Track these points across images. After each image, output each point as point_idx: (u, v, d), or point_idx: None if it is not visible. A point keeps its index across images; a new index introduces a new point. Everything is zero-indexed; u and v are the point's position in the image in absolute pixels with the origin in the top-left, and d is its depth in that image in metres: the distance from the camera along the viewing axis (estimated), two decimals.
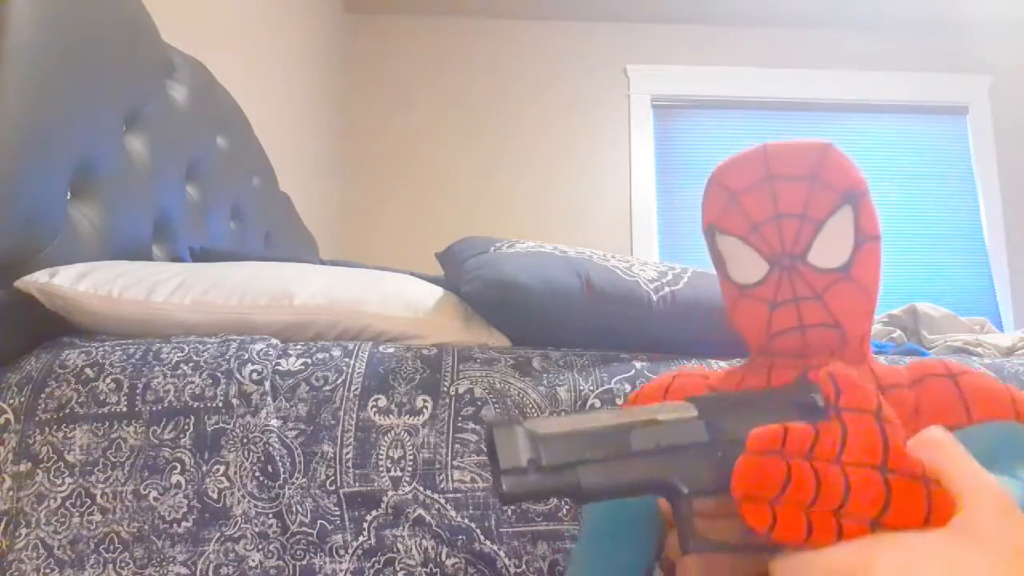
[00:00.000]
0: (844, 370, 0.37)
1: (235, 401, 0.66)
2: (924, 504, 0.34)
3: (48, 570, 0.61)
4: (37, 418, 0.65)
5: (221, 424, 0.65)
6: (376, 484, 0.64)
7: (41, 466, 0.63)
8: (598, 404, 0.69)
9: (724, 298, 0.55)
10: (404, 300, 0.85)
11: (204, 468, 0.64)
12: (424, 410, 0.68)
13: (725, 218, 0.52)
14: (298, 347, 0.73)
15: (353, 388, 0.69)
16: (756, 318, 0.52)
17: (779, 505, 0.35)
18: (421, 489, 0.64)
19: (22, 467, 0.63)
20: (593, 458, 0.37)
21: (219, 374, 0.68)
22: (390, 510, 0.64)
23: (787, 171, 0.50)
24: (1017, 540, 0.33)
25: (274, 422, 0.66)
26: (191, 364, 0.69)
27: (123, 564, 0.61)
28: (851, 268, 0.49)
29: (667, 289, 0.83)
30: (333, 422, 0.66)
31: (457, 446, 0.66)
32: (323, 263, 1.17)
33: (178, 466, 0.64)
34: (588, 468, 0.37)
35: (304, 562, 0.62)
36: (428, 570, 0.63)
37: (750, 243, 0.51)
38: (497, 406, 0.69)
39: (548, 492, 0.37)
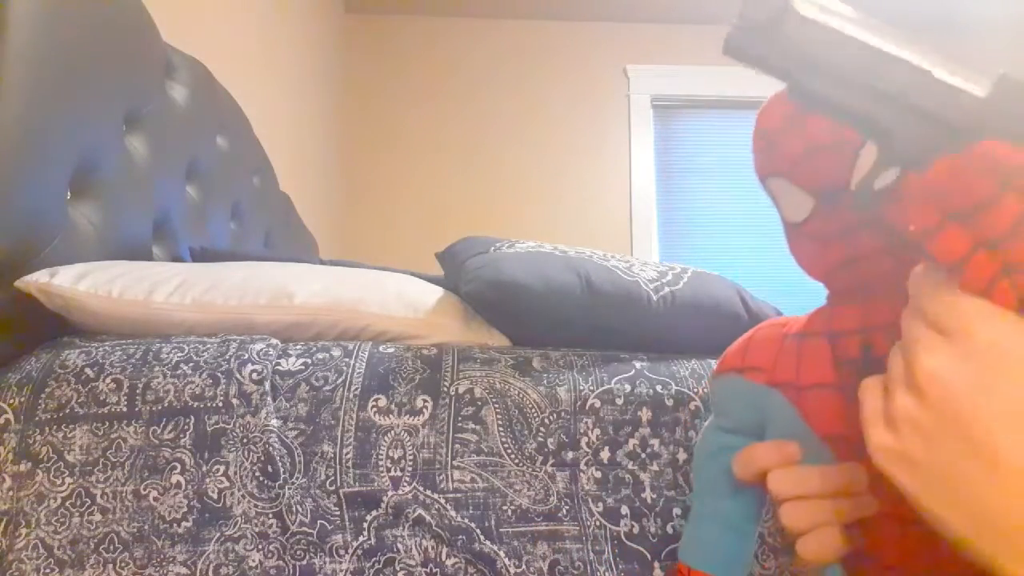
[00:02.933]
0: None
1: (235, 401, 0.66)
2: None
3: (48, 570, 0.61)
4: (37, 418, 0.65)
5: (221, 424, 0.65)
6: (376, 484, 0.64)
7: (41, 466, 0.63)
8: (598, 404, 0.69)
9: (786, 241, 0.53)
10: (404, 300, 0.85)
11: (204, 468, 0.64)
12: (424, 410, 0.68)
13: (767, 160, 0.49)
14: (298, 347, 0.73)
15: (353, 388, 0.69)
16: (810, 256, 0.50)
17: (957, 223, 0.31)
18: (421, 489, 0.64)
19: (22, 467, 0.63)
20: (826, 69, 0.34)
21: (219, 374, 0.68)
22: (390, 510, 0.64)
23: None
24: None
25: (274, 422, 0.66)
26: (191, 364, 0.69)
27: (123, 564, 0.61)
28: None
29: (667, 289, 0.83)
30: (333, 422, 0.66)
31: (457, 446, 0.66)
32: (323, 263, 1.17)
33: (178, 466, 0.64)
34: (818, 73, 0.34)
35: (304, 562, 0.62)
36: (428, 570, 0.63)
37: (793, 181, 0.48)
38: (497, 406, 0.69)
39: (766, 69, 0.35)
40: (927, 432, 0.31)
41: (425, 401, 0.68)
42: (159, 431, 0.65)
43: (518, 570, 0.63)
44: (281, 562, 0.62)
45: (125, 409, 0.66)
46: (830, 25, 0.35)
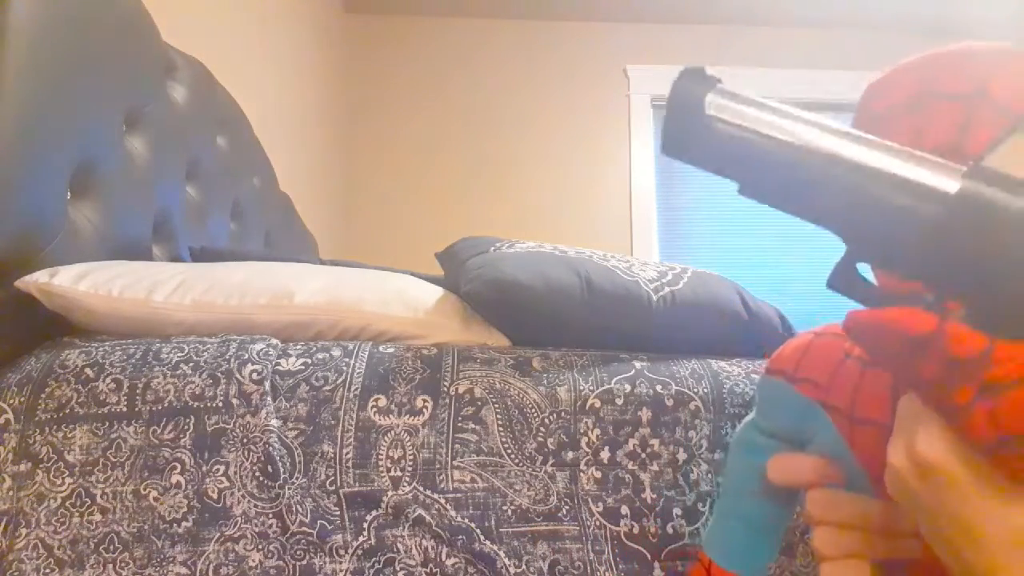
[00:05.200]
0: None
1: (235, 401, 0.66)
2: None
3: (48, 570, 0.61)
4: (37, 418, 0.65)
5: (221, 424, 0.65)
6: (376, 484, 0.64)
7: (41, 466, 0.63)
8: (598, 404, 0.69)
9: None
10: (404, 300, 0.85)
11: (204, 468, 0.64)
12: (424, 410, 0.68)
13: None
14: (298, 347, 0.73)
15: (353, 388, 0.68)
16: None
17: (984, 406, 0.29)
18: (421, 489, 0.64)
19: (22, 467, 0.63)
20: (768, 170, 0.33)
21: (219, 374, 0.68)
22: (390, 510, 0.64)
23: (945, 88, 0.37)
24: None
25: (274, 422, 0.66)
26: (191, 364, 0.69)
27: (123, 564, 0.61)
28: None
29: (667, 289, 0.83)
30: (333, 422, 0.66)
31: (457, 446, 0.66)
32: (323, 263, 1.17)
33: (178, 466, 0.64)
34: (756, 178, 0.33)
35: (304, 562, 0.62)
36: (428, 570, 0.63)
37: None
38: (497, 406, 0.69)
39: (705, 167, 0.34)
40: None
41: (425, 401, 0.68)
42: (159, 431, 0.65)
43: (518, 570, 0.63)
44: (281, 562, 0.62)
45: (125, 409, 0.66)
46: (761, 129, 0.33)
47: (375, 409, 0.67)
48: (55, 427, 0.65)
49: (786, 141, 0.33)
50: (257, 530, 0.63)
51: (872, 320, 0.32)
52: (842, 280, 0.34)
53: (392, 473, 0.65)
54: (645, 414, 0.69)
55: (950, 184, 0.30)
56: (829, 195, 0.32)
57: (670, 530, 0.65)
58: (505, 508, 0.65)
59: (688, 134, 0.34)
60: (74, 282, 0.77)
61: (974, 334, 0.29)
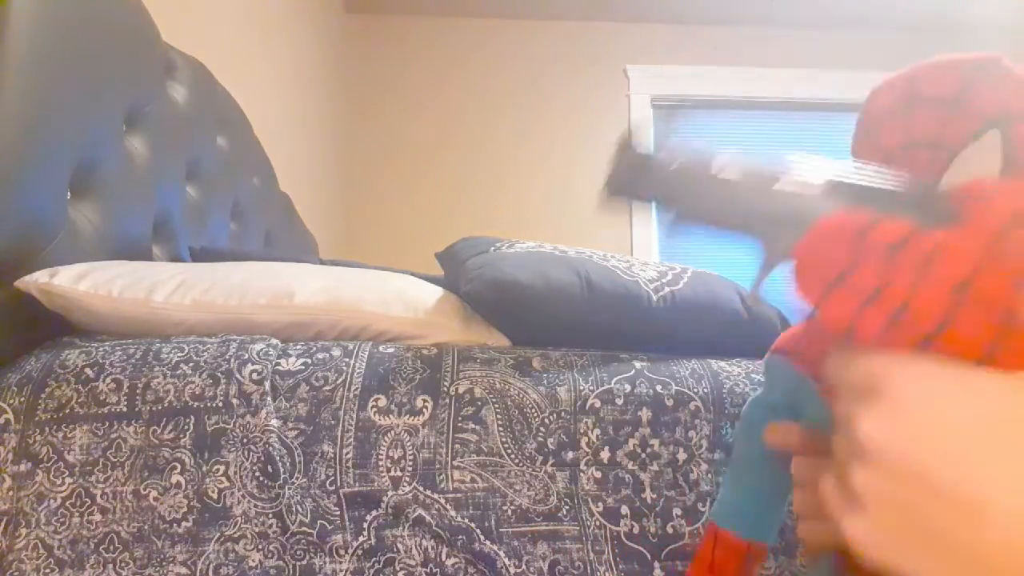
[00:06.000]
0: (989, 186, 0.35)
1: (235, 401, 0.66)
2: (989, 338, 0.32)
3: (48, 570, 0.61)
4: (37, 418, 0.65)
5: (221, 424, 0.65)
6: (376, 484, 0.64)
7: (41, 466, 0.63)
8: (598, 404, 0.69)
9: None
10: (404, 300, 0.85)
11: (204, 468, 0.64)
12: (424, 410, 0.68)
13: (861, 146, 0.48)
14: (298, 347, 0.73)
15: (353, 388, 0.69)
16: None
17: (834, 290, 0.35)
18: (421, 489, 0.64)
19: (22, 467, 0.63)
20: (694, 200, 0.41)
21: (219, 374, 0.68)
22: (390, 510, 0.64)
23: (930, 91, 0.45)
24: None
25: (274, 422, 0.66)
26: (191, 364, 0.69)
27: (123, 564, 0.61)
28: None
29: (667, 289, 0.83)
30: (333, 422, 0.66)
31: (457, 446, 0.66)
32: (323, 263, 1.17)
33: (178, 466, 0.64)
34: (684, 206, 0.42)
35: (304, 562, 0.62)
36: (428, 570, 0.63)
37: None
38: (497, 406, 0.69)
39: (649, 203, 0.43)
40: (894, 500, 0.31)
41: (425, 401, 0.68)
42: (159, 431, 0.65)
43: (518, 570, 0.63)
44: (281, 562, 0.62)
45: (125, 409, 0.66)
46: (686, 167, 0.42)
47: (375, 409, 0.67)
48: (55, 427, 0.65)
49: (717, 177, 0.41)
50: (257, 530, 0.63)
51: (848, 230, 0.36)
52: (756, 291, 0.43)
53: (392, 473, 0.65)
54: (645, 414, 0.69)
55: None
56: (753, 203, 0.40)
57: (670, 530, 0.65)
58: (505, 508, 0.65)
59: (637, 178, 0.42)
60: (74, 282, 0.77)
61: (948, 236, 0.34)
